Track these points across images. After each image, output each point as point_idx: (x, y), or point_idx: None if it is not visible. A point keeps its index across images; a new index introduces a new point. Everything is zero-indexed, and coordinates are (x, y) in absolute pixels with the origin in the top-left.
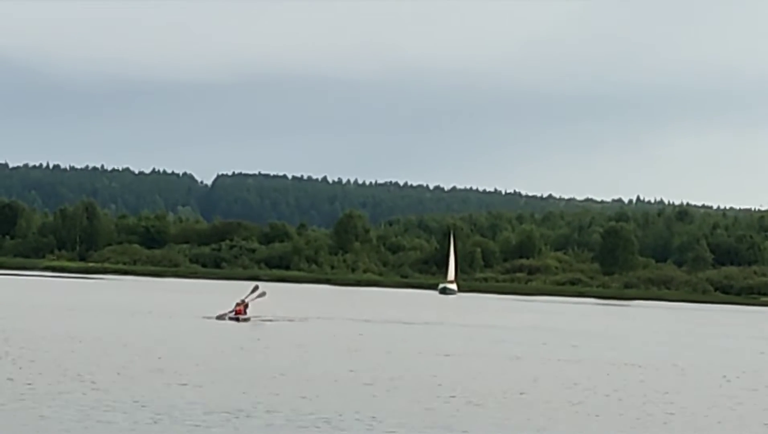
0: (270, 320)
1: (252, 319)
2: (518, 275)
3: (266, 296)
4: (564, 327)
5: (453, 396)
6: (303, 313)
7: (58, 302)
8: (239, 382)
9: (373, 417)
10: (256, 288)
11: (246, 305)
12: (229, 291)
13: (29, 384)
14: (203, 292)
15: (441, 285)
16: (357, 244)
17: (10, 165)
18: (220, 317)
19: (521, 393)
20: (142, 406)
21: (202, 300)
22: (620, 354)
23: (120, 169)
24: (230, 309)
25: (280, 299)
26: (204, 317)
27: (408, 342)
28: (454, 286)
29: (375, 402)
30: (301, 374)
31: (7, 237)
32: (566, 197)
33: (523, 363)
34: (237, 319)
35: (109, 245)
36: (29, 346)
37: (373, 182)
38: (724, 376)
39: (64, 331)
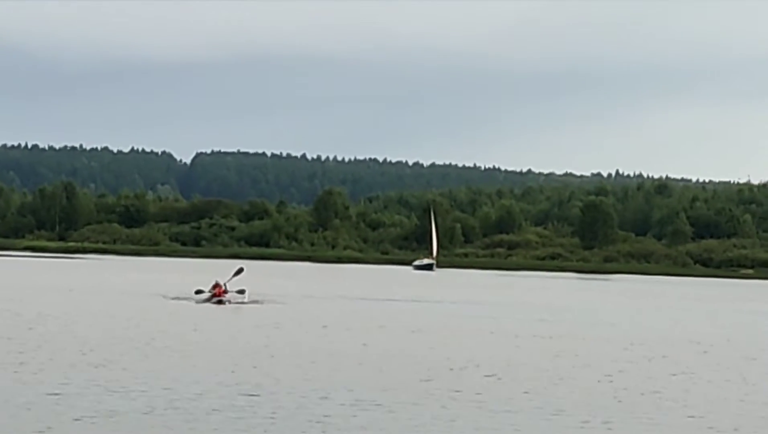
0: (255, 302)
1: (233, 300)
2: (498, 250)
3: (244, 273)
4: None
5: (433, 373)
6: (288, 292)
7: (39, 282)
8: (224, 362)
9: (357, 392)
10: (240, 271)
11: (225, 289)
12: (209, 270)
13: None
14: (183, 271)
15: (416, 261)
16: (337, 221)
17: None
18: (198, 294)
19: (506, 366)
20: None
21: (178, 280)
22: (604, 329)
23: (99, 148)
24: (209, 289)
25: (261, 278)
26: (173, 298)
27: (396, 318)
28: (430, 261)
29: (363, 379)
30: (294, 352)
31: None
32: (545, 171)
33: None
34: (220, 301)
35: (89, 224)
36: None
37: (353, 158)
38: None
39: (54, 310)
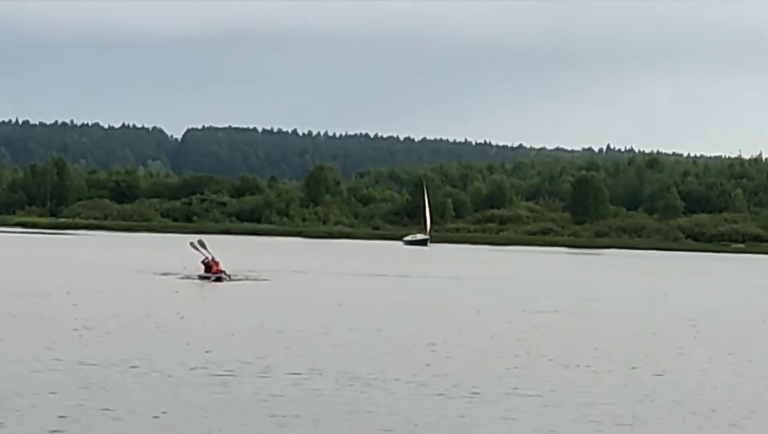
0: (247, 278)
1: (228, 278)
2: (489, 225)
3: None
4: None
5: (433, 346)
6: (280, 268)
7: (33, 257)
8: (216, 340)
9: (353, 370)
10: (201, 243)
11: (217, 262)
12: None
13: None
14: (174, 246)
15: (408, 237)
16: (328, 196)
17: None
18: (202, 278)
19: (491, 338)
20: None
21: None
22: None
23: (89, 124)
24: (205, 260)
25: (253, 254)
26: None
27: (394, 293)
28: (424, 236)
29: (356, 355)
30: (286, 329)
31: None
32: (537, 146)
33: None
34: (219, 279)
35: (80, 200)
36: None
37: (344, 134)
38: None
39: (44, 287)
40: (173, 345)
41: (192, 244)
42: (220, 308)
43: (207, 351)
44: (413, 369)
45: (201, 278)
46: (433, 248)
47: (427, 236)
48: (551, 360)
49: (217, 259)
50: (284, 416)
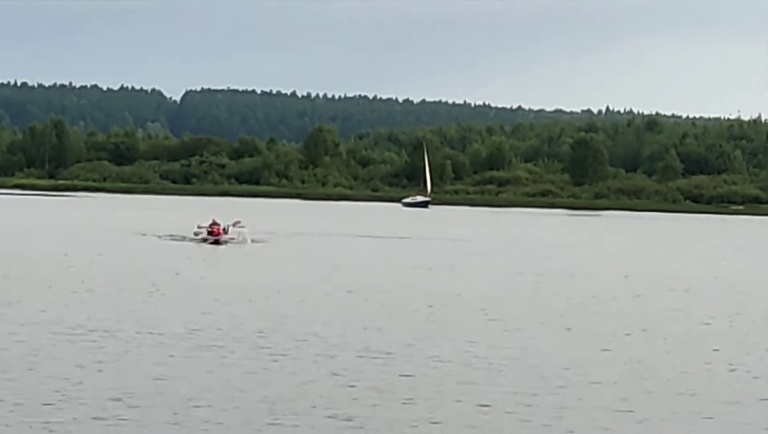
0: (253, 241)
1: (231, 241)
2: (489, 187)
3: (240, 225)
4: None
5: (431, 307)
6: (281, 230)
7: (31, 219)
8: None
9: (364, 328)
10: (237, 223)
11: (225, 229)
12: (199, 208)
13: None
14: (174, 209)
15: (408, 198)
16: (327, 158)
17: None
18: (197, 234)
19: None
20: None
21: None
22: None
23: (88, 86)
24: (206, 226)
25: (253, 216)
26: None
27: (396, 255)
28: (425, 198)
29: (361, 315)
30: (291, 291)
31: None
32: (536, 108)
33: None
34: (217, 241)
35: (79, 162)
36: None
37: (343, 95)
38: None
39: (36, 249)
40: (170, 306)
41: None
42: (217, 270)
43: (204, 313)
44: (412, 331)
45: (201, 238)
46: (433, 210)
47: (428, 198)
48: (542, 322)
49: (218, 221)
50: (281, 377)
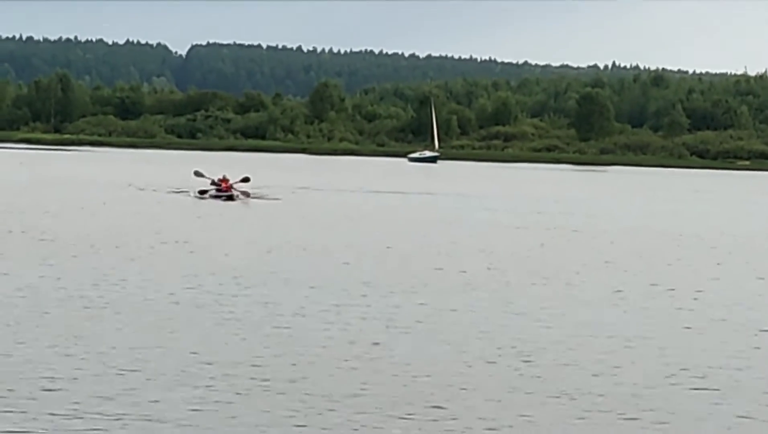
0: (259, 198)
1: (240, 196)
2: (494, 142)
3: (250, 182)
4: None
5: (441, 269)
6: (290, 186)
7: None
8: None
9: (367, 283)
10: (246, 180)
11: (231, 185)
12: (205, 162)
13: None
14: (180, 163)
15: (415, 153)
16: (332, 113)
17: None
18: (202, 193)
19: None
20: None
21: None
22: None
23: (93, 40)
24: (213, 181)
25: (259, 171)
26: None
27: (404, 211)
28: (433, 153)
29: (370, 270)
30: (301, 246)
31: None
32: (542, 63)
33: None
34: (230, 197)
35: (84, 116)
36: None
37: (348, 50)
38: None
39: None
40: (179, 263)
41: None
42: (227, 226)
43: (212, 274)
44: (421, 287)
45: (208, 195)
46: (442, 165)
47: (436, 153)
48: (546, 278)
49: (228, 177)
50: (293, 332)
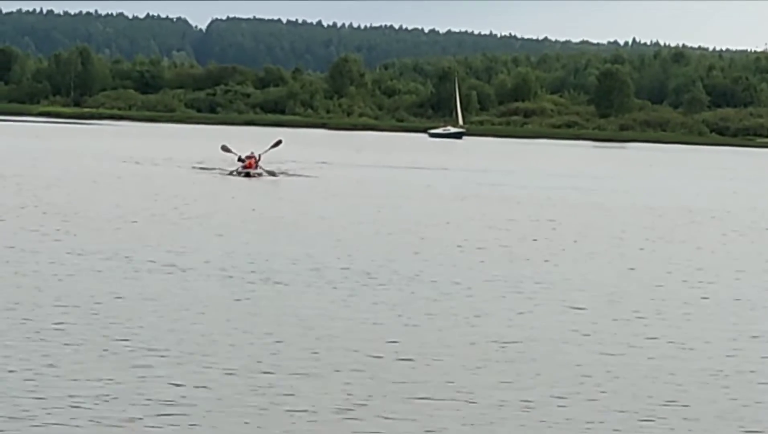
0: (283, 173)
1: (264, 174)
2: (514, 118)
3: (282, 145)
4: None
5: (465, 241)
6: (316, 162)
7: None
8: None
9: (387, 261)
10: (278, 143)
11: (258, 159)
12: (224, 137)
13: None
14: (199, 137)
15: (438, 129)
16: (352, 88)
17: (4, 11)
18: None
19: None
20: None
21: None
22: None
23: (114, 14)
24: (240, 158)
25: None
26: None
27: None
28: (458, 129)
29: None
30: (325, 224)
31: (2, 83)
32: (562, 39)
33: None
34: (248, 174)
35: (104, 90)
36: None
37: (368, 25)
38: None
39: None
40: (198, 237)
41: (278, 142)
42: (251, 202)
43: (228, 252)
44: (444, 264)
45: (233, 172)
46: (466, 141)
47: (462, 129)
48: (563, 249)
49: (255, 154)
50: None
